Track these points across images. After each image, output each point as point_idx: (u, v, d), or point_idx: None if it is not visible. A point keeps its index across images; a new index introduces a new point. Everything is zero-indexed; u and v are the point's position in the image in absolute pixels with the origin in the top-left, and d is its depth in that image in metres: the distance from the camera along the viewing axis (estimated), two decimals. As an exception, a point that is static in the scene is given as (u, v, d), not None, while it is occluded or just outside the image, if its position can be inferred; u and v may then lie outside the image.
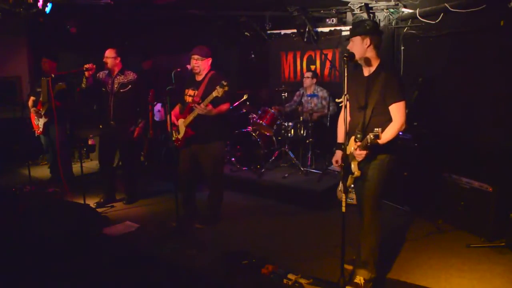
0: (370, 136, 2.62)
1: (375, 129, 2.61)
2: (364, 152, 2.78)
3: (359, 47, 2.85)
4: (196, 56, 4.03)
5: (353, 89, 2.98)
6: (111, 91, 4.70)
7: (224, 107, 4.01)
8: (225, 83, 3.67)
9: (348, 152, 2.95)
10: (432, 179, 4.34)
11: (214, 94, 3.74)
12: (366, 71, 2.96)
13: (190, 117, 4.02)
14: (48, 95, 5.22)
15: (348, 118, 3.07)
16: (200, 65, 4.06)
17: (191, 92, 4.15)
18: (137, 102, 4.86)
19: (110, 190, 5.04)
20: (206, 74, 4.12)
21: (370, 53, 2.87)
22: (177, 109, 4.34)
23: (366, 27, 2.85)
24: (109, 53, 4.69)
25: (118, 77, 4.73)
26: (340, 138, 3.21)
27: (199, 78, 4.14)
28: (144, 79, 5.01)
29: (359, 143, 2.81)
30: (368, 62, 2.90)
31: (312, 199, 4.94)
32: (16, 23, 6.22)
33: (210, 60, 4.12)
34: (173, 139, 4.22)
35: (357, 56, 2.87)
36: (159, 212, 4.81)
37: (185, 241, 3.89)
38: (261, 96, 6.62)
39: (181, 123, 4.15)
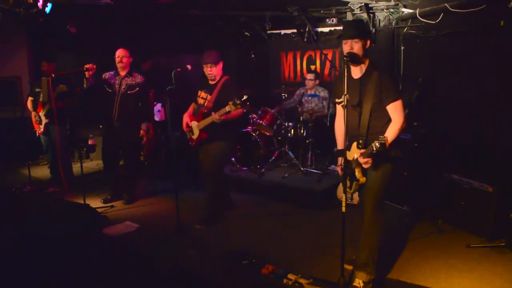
0: (376, 144, 2.57)
1: (380, 136, 2.57)
2: (370, 160, 2.76)
3: (361, 49, 2.81)
4: (209, 64, 4.10)
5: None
6: (118, 92, 4.72)
7: (236, 113, 4.05)
8: (238, 102, 3.74)
9: (350, 158, 2.93)
10: (432, 179, 4.34)
11: (227, 108, 3.82)
12: (357, 72, 2.92)
13: (205, 122, 4.10)
14: (49, 95, 5.22)
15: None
16: (214, 71, 4.12)
17: (203, 94, 4.23)
18: (142, 105, 4.90)
19: (116, 187, 5.09)
20: (220, 79, 4.18)
21: (363, 53, 2.85)
22: (191, 109, 4.42)
23: (368, 29, 2.83)
24: (125, 53, 4.76)
25: (126, 79, 4.78)
26: (340, 144, 3.18)
27: (212, 82, 4.21)
28: (149, 81, 5.07)
29: (363, 151, 2.79)
30: (359, 61, 2.85)
31: (312, 199, 4.94)
32: (16, 23, 6.22)
33: (222, 64, 4.19)
34: (187, 138, 4.34)
35: (358, 57, 2.82)
36: (159, 212, 4.81)
37: (185, 241, 3.90)
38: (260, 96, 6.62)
39: (195, 125, 4.22)
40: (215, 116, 3.94)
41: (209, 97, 4.16)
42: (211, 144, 4.17)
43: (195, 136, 4.26)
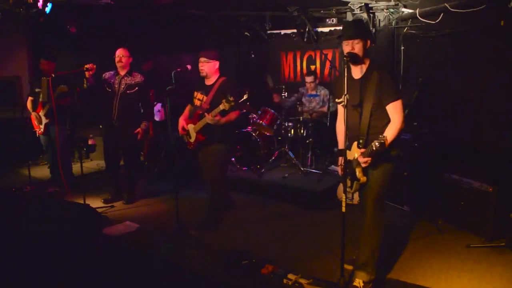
0: (376, 143, 2.57)
1: (380, 136, 2.57)
2: (369, 159, 2.76)
3: (363, 49, 2.81)
4: (202, 59, 3.98)
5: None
6: (117, 92, 4.72)
7: (233, 115, 3.95)
8: (231, 99, 3.64)
9: (351, 158, 2.93)
10: (432, 179, 4.34)
11: (221, 107, 3.71)
12: (358, 72, 2.92)
13: (200, 124, 4.00)
14: (48, 95, 5.22)
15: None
16: (206, 67, 3.99)
17: (199, 96, 4.12)
18: (142, 104, 4.89)
19: (117, 187, 5.10)
20: (216, 80, 4.04)
21: (364, 53, 2.85)
22: (186, 111, 4.32)
23: (368, 29, 2.83)
24: (124, 52, 4.74)
25: (125, 78, 4.77)
26: (341, 144, 3.18)
27: (208, 82, 4.08)
28: (149, 82, 5.06)
29: (363, 150, 2.79)
30: (360, 61, 2.86)
31: (312, 199, 4.94)
32: (16, 23, 6.22)
33: (217, 64, 4.04)
34: (186, 141, 4.24)
35: (359, 57, 2.82)
36: (159, 212, 4.81)
37: (185, 241, 3.89)
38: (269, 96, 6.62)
39: (191, 128, 4.12)
40: (208, 117, 3.83)
41: (205, 98, 4.03)
42: (209, 148, 4.06)
43: (192, 139, 4.14)
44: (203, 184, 4.33)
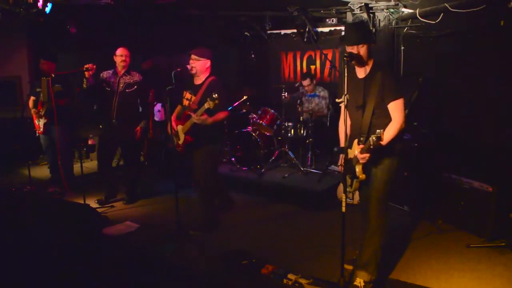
0: (372, 138, 2.58)
1: (377, 130, 2.57)
2: (367, 155, 2.75)
3: (367, 51, 2.83)
4: (193, 56, 3.91)
5: (350, 91, 2.96)
6: (116, 91, 4.72)
7: (221, 115, 3.86)
8: (215, 96, 3.52)
9: (352, 156, 2.93)
10: (432, 179, 4.34)
11: (206, 106, 3.61)
12: (362, 72, 2.93)
13: (188, 125, 3.93)
14: (48, 95, 5.22)
15: (348, 122, 3.05)
16: (196, 65, 3.92)
17: (188, 95, 4.06)
18: (140, 103, 4.89)
19: (111, 187, 5.07)
20: (206, 79, 3.97)
21: (368, 55, 2.87)
22: (176, 112, 4.28)
23: (370, 31, 2.84)
24: (127, 52, 4.75)
25: (124, 77, 4.77)
26: (343, 142, 3.19)
27: (197, 81, 4.02)
28: (149, 81, 5.06)
29: (361, 146, 2.80)
30: (364, 63, 2.88)
31: (312, 199, 4.94)
32: (16, 23, 6.22)
33: (208, 62, 3.97)
34: (174, 144, 4.17)
35: (364, 60, 2.84)
36: (159, 212, 4.81)
37: (185, 241, 3.90)
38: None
39: (180, 129, 4.07)
40: (194, 117, 3.74)
41: (193, 98, 3.97)
42: (198, 150, 4.01)
43: (180, 141, 4.06)
44: (196, 184, 4.29)
